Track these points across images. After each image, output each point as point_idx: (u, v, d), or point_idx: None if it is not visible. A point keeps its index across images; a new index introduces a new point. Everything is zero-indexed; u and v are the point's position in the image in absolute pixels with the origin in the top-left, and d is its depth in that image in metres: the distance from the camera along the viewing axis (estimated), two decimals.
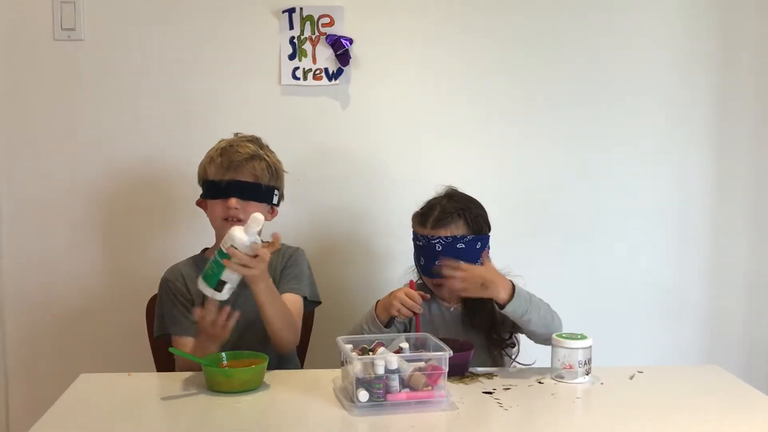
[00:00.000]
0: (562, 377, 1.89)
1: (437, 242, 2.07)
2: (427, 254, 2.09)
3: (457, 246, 2.06)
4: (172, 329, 2.08)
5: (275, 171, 2.13)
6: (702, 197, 2.77)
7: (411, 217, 2.19)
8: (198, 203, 2.18)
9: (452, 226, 2.09)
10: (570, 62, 2.68)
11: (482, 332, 2.13)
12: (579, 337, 1.90)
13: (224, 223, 2.07)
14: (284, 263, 2.19)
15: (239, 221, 2.04)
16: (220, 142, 2.15)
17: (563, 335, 1.92)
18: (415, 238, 2.14)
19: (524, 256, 2.21)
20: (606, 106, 2.71)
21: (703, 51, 2.72)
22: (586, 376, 1.89)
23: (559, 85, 2.69)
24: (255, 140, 2.16)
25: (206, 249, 2.22)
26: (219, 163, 2.07)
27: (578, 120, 2.71)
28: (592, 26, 2.68)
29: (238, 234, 1.83)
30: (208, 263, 1.87)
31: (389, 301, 2.02)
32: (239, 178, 2.07)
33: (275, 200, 2.16)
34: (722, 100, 2.73)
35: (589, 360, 1.89)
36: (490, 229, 2.17)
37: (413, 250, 2.16)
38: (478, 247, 2.10)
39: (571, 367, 1.88)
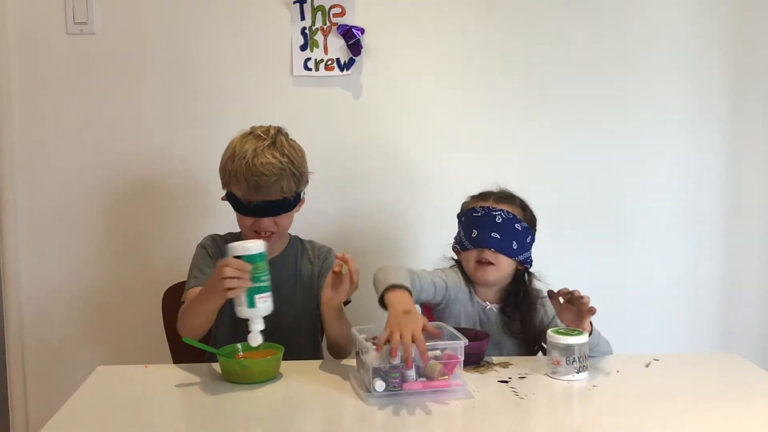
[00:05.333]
0: (555, 373, 1.83)
1: (499, 214, 2.06)
2: (483, 224, 2.06)
3: (515, 225, 2.07)
4: (191, 282, 2.05)
5: (300, 175, 2.06)
6: (717, 187, 2.76)
7: (462, 204, 2.19)
8: (224, 200, 2.14)
9: (513, 207, 2.10)
10: (583, 53, 2.67)
11: (519, 341, 2.12)
12: (575, 333, 1.83)
13: (255, 234, 2.07)
14: (321, 265, 2.18)
15: (272, 234, 2.05)
16: (241, 146, 2.03)
17: (559, 331, 1.85)
18: (471, 212, 2.11)
19: (541, 249, 2.19)
20: (619, 97, 2.70)
21: (717, 41, 2.71)
22: (578, 374, 1.82)
23: (573, 76, 2.67)
24: (274, 141, 2.04)
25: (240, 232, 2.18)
26: (246, 187, 2.00)
27: (591, 112, 2.70)
28: (604, 14, 2.66)
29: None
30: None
31: (399, 316, 1.73)
32: (268, 199, 2.01)
33: (302, 196, 2.12)
34: (737, 88, 2.72)
35: (585, 356, 1.83)
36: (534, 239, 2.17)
37: (460, 230, 2.14)
38: (528, 240, 2.11)
39: (558, 363, 1.82)
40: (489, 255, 2.06)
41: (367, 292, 2.46)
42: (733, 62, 2.71)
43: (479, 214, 2.08)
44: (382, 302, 1.82)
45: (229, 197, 2.08)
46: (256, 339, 1.81)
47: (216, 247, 2.14)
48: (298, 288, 2.16)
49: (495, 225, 2.06)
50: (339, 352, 2.06)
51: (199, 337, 1.94)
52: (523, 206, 2.14)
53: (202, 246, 2.15)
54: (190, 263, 2.13)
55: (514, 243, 2.06)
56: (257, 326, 1.81)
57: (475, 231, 2.08)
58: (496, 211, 2.07)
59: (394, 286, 1.81)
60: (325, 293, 1.93)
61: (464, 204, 2.19)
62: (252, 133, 2.07)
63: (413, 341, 1.65)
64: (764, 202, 2.77)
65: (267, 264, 1.82)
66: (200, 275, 2.07)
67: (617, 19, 2.67)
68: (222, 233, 2.19)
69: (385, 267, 1.96)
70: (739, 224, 2.78)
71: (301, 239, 2.23)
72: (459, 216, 2.18)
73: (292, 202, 2.07)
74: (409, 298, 1.80)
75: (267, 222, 2.04)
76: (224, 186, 2.09)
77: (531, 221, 2.14)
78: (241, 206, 2.04)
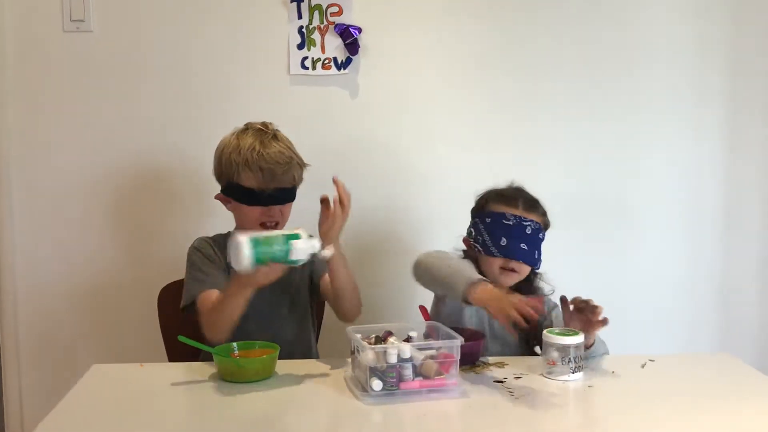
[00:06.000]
0: (551, 373, 1.83)
1: (529, 225, 2.04)
2: (513, 234, 2.04)
3: (539, 235, 2.07)
4: (200, 287, 2.03)
5: (302, 165, 2.13)
6: (714, 188, 2.76)
7: (480, 197, 2.15)
8: (220, 199, 2.15)
9: (537, 215, 2.09)
10: (580, 53, 2.67)
11: (520, 337, 2.11)
12: (571, 333, 1.84)
13: (262, 227, 2.08)
14: None
15: (276, 224, 2.09)
16: (244, 139, 2.06)
17: (555, 331, 1.85)
18: (500, 217, 2.06)
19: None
20: (617, 96, 2.70)
21: (714, 51, 2.71)
22: (573, 374, 1.82)
23: (570, 76, 2.67)
24: (275, 135, 2.10)
25: (229, 232, 2.19)
26: (261, 175, 2.03)
27: (590, 111, 2.70)
28: (604, 12, 2.67)
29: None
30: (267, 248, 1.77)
31: (500, 300, 1.77)
32: (281, 186, 2.07)
33: None
34: (735, 88, 2.72)
35: (581, 357, 1.83)
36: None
37: (483, 231, 2.08)
38: (543, 245, 2.10)
39: (554, 363, 1.82)
40: (514, 264, 2.05)
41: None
42: (732, 63, 2.71)
43: (510, 223, 2.04)
44: (466, 300, 1.82)
45: (235, 190, 2.07)
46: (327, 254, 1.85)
47: (209, 248, 2.13)
48: (288, 282, 2.19)
49: (525, 236, 2.04)
50: (351, 307, 2.08)
51: (232, 332, 1.94)
52: (544, 213, 2.13)
53: (195, 249, 2.13)
54: (187, 268, 2.11)
55: (536, 253, 2.06)
56: (324, 254, 1.84)
57: (504, 239, 2.04)
58: (526, 221, 2.05)
59: (473, 283, 1.81)
60: (321, 230, 1.98)
61: (483, 199, 2.15)
62: (250, 128, 2.11)
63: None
64: (763, 203, 2.77)
65: (281, 239, 1.79)
66: (205, 277, 2.06)
67: (617, 19, 2.67)
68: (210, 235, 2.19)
69: (431, 257, 1.97)
70: (738, 225, 2.78)
71: None
72: (477, 212, 2.15)
73: (295, 191, 2.13)
74: (491, 286, 1.81)
75: (276, 211, 2.08)
76: (228, 179, 2.08)
77: (547, 226, 2.14)
78: (252, 197, 2.05)
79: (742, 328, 2.81)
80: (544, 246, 2.13)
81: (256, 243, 1.74)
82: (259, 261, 1.75)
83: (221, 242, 2.14)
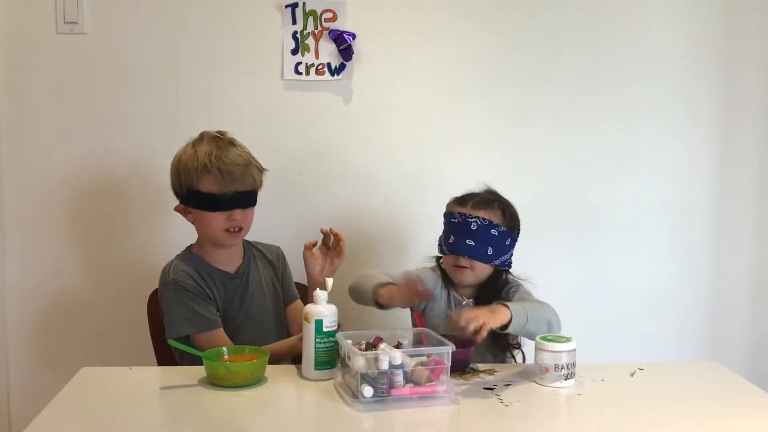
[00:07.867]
0: (543, 379, 1.83)
1: (474, 221, 2.07)
2: (459, 231, 2.08)
3: (491, 231, 2.08)
4: (197, 327, 2.04)
5: (261, 169, 2.13)
6: (706, 196, 2.78)
7: (446, 204, 2.19)
8: (180, 211, 2.14)
9: (491, 212, 2.10)
10: (574, 59, 2.69)
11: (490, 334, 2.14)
12: (563, 340, 1.84)
13: (226, 234, 2.09)
14: (281, 265, 2.28)
15: (240, 230, 2.09)
16: (200, 146, 2.07)
17: (548, 337, 1.85)
18: (450, 217, 2.13)
19: (526, 254, 2.20)
20: (610, 103, 2.72)
21: (707, 52, 2.73)
22: (566, 380, 1.82)
23: (562, 82, 2.69)
24: (231, 141, 2.11)
25: (191, 245, 2.21)
26: (220, 178, 2.03)
27: (581, 117, 2.71)
28: (597, 22, 2.69)
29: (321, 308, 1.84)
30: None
31: (400, 291, 1.98)
32: (240, 188, 2.06)
33: None
34: (726, 99, 2.74)
35: (573, 364, 1.83)
36: (517, 239, 2.17)
37: (441, 234, 2.16)
38: (507, 243, 2.11)
39: (547, 370, 1.83)
40: (464, 261, 2.09)
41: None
42: (724, 74, 2.73)
43: (456, 221, 2.11)
44: (377, 303, 1.99)
45: (195, 197, 2.07)
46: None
47: (189, 278, 2.08)
48: (266, 290, 2.22)
49: (470, 232, 2.07)
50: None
51: None
52: (503, 209, 2.13)
53: (175, 282, 2.07)
54: (168, 301, 2.07)
55: (490, 249, 2.08)
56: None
57: (452, 237, 2.11)
58: (471, 218, 2.08)
59: (382, 285, 1.99)
60: (315, 267, 2.13)
61: (447, 205, 2.20)
62: (206, 136, 2.12)
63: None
64: (754, 211, 2.79)
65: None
66: (196, 317, 2.04)
67: (610, 26, 2.69)
68: (175, 263, 2.14)
69: (361, 276, 2.08)
70: (728, 233, 2.80)
71: (248, 241, 2.26)
72: (444, 215, 2.19)
73: (256, 195, 2.13)
74: (395, 287, 1.99)
75: (239, 215, 2.08)
76: (188, 188, 2.08)
77: (511, 223, 2.14)
78: (212, 202, 2.05)
79: (731, 337, 2.82)
80: (528, 252, 2.18)
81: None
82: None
83: (192, 264, 2.12)
